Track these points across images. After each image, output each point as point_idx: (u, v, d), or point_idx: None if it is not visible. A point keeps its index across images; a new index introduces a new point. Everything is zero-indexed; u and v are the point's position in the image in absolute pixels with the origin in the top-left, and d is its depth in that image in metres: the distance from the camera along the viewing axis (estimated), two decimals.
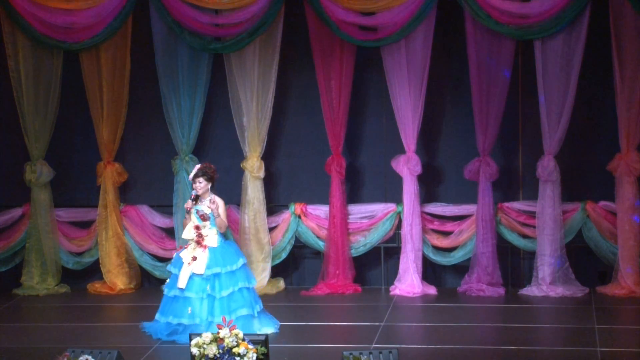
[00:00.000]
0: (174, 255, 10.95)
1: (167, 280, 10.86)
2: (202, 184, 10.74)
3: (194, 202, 10.73)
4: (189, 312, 10.53)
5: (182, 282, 10.61)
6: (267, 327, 10.74)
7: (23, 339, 10.90)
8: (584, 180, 12.64)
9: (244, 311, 10.62)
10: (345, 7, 12.24)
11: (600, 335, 10.44)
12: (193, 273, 10.61)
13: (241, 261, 10.79)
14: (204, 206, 10.73)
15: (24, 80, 12.82)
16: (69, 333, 11.08)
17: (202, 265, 10.61)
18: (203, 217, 10.72)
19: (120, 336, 11.02)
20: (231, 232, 12.77)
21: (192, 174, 10.77)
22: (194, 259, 10.65)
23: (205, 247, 10.70)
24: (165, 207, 13.10)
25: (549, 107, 12.16)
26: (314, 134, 12.98)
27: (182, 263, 10.69)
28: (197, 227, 10.75)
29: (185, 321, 10.53)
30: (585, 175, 12.65)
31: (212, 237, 10.75)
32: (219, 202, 10.78)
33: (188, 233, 10.81)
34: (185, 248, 10.80)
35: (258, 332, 10.40)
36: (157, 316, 10.78)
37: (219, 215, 10.69)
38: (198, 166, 10.83)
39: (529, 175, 12.62)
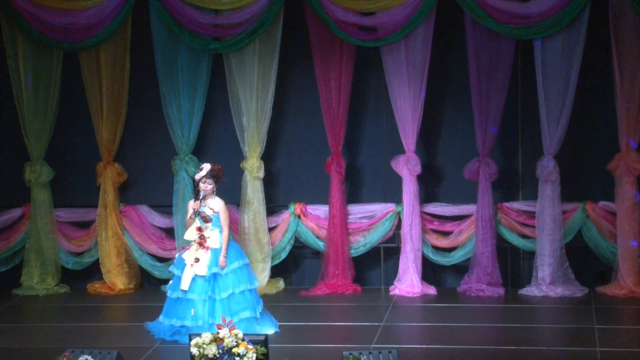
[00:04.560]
0: (176, 256, 10.95)
1: (170, 282, 10.86)
2: (210, 186, 10.70)
3: (201, 203, 10.72)
4: (192, 314, 10.52)
5: (185, 284, 10.60)
6: (268, 328, 10.73)
7: (23, 339, 10.90)
8: (583, 180, 12.64)
9: (246, 314, 10.62)
10: (345, 7, 12.24)
11: (600, 335, 10.44)
12: (196, 275, 10.61)
13: (242, 262, 10.78)
14: (207, 208, 10.70)
15: (23, 81, 12.82)
16: (69, 333, 11.08)
17: (204, 267, 10.60)
18: (205, 219, 10.70)
19: (120, 336, 11.02)
20: (232, 233, 12.76)
21: (200, 174, 10.69)
22: (197, 260, 10.63)
23: (207, 248, 10.68)
24: (165, 207, 13.09)
25: (548, 107, 12.16)
26: (313, 134, 12.98)
27: (185, 265, 10.68)
28: (200, 229, 10.73)
29: (188, 323, 10.51)
30: (585, 175, 12.65)
31: (214, 238, 10.72)
32: (220, 203, 10.76)
33: (190, 234, 10.78)
34: (188, 249, 10.79)
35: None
36: (161, 318, 10.76)
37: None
38: (207, 167, 10.70)
39: (529, 175, 12.61)
